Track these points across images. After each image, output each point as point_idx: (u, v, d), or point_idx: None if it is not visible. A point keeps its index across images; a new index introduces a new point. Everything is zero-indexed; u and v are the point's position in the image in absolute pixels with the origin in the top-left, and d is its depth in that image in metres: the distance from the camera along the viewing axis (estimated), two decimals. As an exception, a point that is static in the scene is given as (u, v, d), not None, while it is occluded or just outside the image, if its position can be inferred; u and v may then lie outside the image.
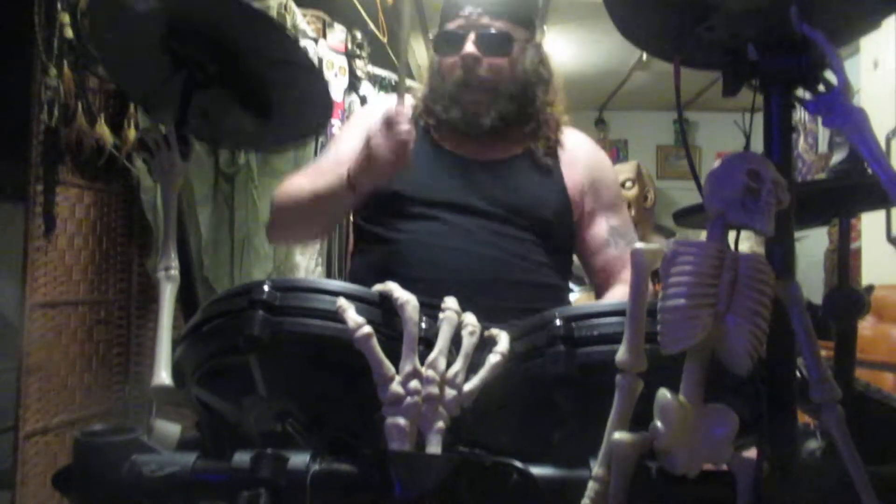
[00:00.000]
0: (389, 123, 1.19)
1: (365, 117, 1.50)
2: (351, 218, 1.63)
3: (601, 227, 1.48)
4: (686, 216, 1.21)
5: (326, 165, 1.41)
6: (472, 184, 1.39)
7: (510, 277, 1.32)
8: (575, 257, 1.59)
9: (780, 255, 0.71)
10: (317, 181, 1.34)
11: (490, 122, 1.38)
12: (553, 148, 1.46)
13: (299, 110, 1.19)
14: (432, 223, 1.34)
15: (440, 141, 1.44)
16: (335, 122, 2.63)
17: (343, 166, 1.35)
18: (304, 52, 1.07)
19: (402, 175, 1.36)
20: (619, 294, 1.41)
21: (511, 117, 1.40)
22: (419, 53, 5.20)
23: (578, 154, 1.49)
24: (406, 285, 0.83)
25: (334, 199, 1.30)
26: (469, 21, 1.37)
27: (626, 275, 1.39)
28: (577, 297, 3.26)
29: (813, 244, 4.31)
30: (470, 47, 1.36)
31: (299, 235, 1.70)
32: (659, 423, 0.65)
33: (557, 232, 1.43)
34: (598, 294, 1.50)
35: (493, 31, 1.38)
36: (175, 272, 1.04)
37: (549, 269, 1.40)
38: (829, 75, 0.70)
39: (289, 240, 2.07)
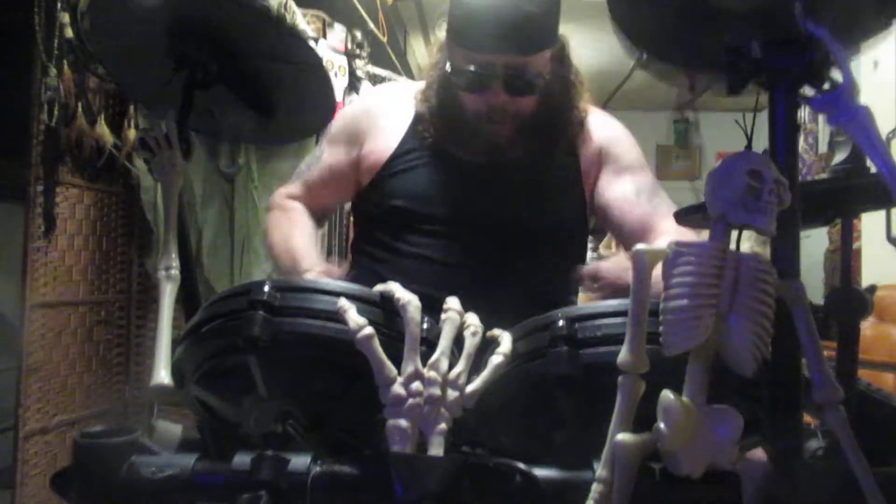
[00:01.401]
0: None
1: (348, 118, 1.41)
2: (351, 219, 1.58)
3: (625, 184, 1.31)
4: (687, 216, 1.20)
5: (318, 180, 1.38)
6: (478, 193, 1.26)
7: (514, 300, 1.14)
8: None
9: (784, 254, 0.71)
10: (287, 243, 1.27)
11: (516, 154, 1.26)
12: (573, 142, 1.33)
13: (303, 106, 1.19)
14: (434, 240, 1.24)
15: (438, 140, 1.28)
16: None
17: (334, 182, 1.36)
18: (306, 49, 1.06)
19: (399, 186, 1.27)
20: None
21: (534, 145, 1.28)
22: (419, 53, 5.20)
23: (594, 127, 1.36)
24: None
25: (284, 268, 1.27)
26: (497, 59, 1.17)
27: (668, 229, 1.23)
28: (579, 298, 3.24)
29: (813, 244, 4.31)
30: (499, 95, 1.19)
31: None
32: (662, 425, 0.64)
33: (572, 236, 1.34)
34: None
35: (523, 72, 1.19)
36: (175, 272, 1.03)
37: (556, 286, 1.28)
38: (834, 73, 0.70)
39: None
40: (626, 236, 1.31)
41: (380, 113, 1.36)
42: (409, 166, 1.29)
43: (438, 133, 1.28)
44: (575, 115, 1.31)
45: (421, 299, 0.79)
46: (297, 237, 1.29)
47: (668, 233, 1.22)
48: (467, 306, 0.84)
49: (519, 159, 1.28)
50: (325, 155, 1.39)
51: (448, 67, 1.23)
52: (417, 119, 1.32)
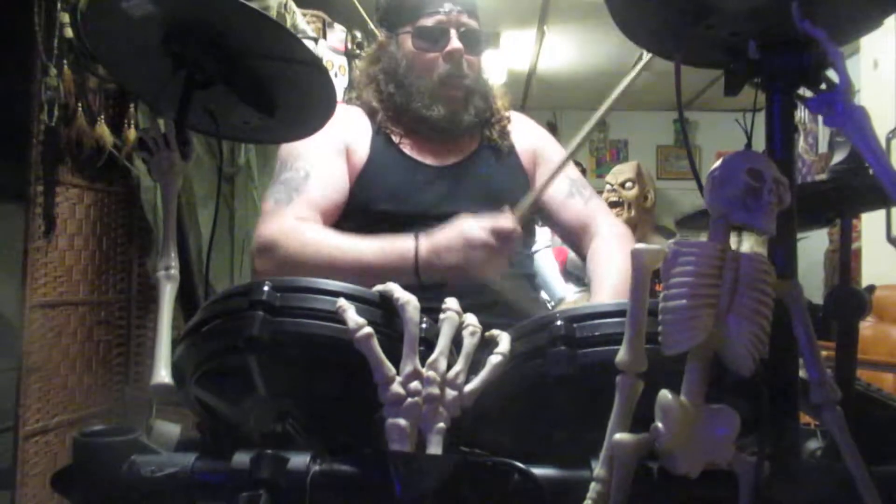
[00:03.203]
0: (500, 237, 1.10)
1: (332, 126, 1.36)
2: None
3: (561, 181, 1.46)
4: (691, 221, 1.21)
5: (320, 199, 1.32)
6: (446, 191, 1.39)
7: (484, 290, 1.27)
8: (575, 255, 1.58)
9: (782, 254, 0.71)
10: (361, 246, 1.20)
11: (468, 119, 1.40)
12: (506, 132, 1.49)
13: (304, 105, 1.19)
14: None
15: (403, 149, 1.41)
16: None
17: (334, 196, 1.30)
18: (305, 48, 1.06)
19: (379, 191, 1.35)
20: (604, 253, 1.41)
21: (481, 115, 1.43)
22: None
23: (523, 129, 1.54)
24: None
25: (388, 276, 1.18)
26: (450, 17, 1.38)
27: (601, 227, 1.45)
28: (578, 297, 3.25)
29: (813, 244, 4.32)
30: (456, 42, 1.37)
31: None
32: (660, 424, 0.65)
33: (526, 229, 1.44)
34: (580, 251, 1.49)
35: (473, 30, 1.40)
36: (175, 272, 1.03)
37: (524, 257, 1.44)
38: (831, 74, 0.70)
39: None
40: (566, 232, 1.50)
41: (347, 120, 1.44)
42: (384, 169, 1.39)
43: (397, 117, 1.41)
44: (501, 104, 1.49)
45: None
46: (362, 247, 1.21)
47: (602, 228, 1.45)
48: (445, 293, 0.85)
49: (474, 159, 1.44)
50: (321, 169, 1.35)
51: (410, 36, 1.40)
52: (372, 116, 1.43)
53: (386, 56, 1.44)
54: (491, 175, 1.43)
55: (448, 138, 1.42)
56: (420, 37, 1.39)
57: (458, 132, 1.41)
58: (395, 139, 1.42)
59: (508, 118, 1.51)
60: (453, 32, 1.37)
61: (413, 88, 1.40)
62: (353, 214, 1.37)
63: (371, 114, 1.44)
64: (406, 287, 0.81)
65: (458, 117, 1.40)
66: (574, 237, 1.48)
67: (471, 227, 1.13)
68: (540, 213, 1.50)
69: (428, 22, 1.38)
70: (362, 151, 1.40)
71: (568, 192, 1.47)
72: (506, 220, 1.13)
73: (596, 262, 1.42)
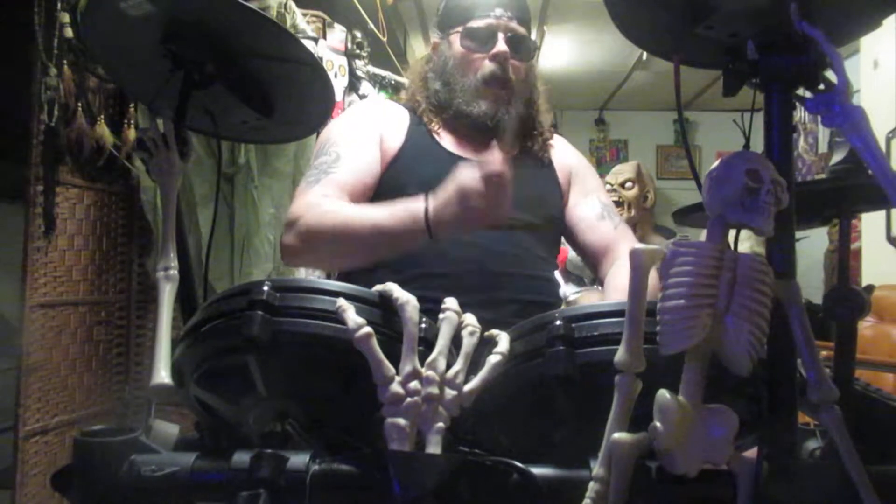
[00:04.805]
0: (490, 173, 1.09)
1: (362, 115, 1.49)
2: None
3: (594, 204, 1.53)
4: (688, 215, 1.21)
5: (354, 179, 1.34)
6: None
7: (517, 271, 1.36)
8: (574, 255, 1.60)
9: (781, 254, 0.71)
10: (375, 212, 1.21)
11: (508, 121, 1.43)
12: (547, 145, 1.54)
13: (302, 105, 1.19)
14: None
15: (440, 142, 1.46)
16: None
17: (370, 179, 1.34)
18: (303, 48, 1.07)
19: (411, 178, 1.37)
20: (625, 277, 1.42)
21: (521, 119, 1.47)
22: (419, 53, 5.20)
23: (562, 149, 1.59)
24: (418, 281, 0.82)
25: (402, 237, 1.17)
26: (499, 22, 1.43)
27: (625, 252, 1.45)
28: (579, 296, 3.25)
29: (813, 244, 4.32)
30: (502, 45, 1.42)
31: (335, 265, 1.54)
32: (658, 424, 0.65)
33: (556, 225, 1.51)
34: (600, 272, 1.52)
35: (520, 36, 1.45)
36: (174, 272, 1.03)
37: (547, 264, 1.47)
38: (830, 74, 0.70)
39: (318, 266, 2.03)
40: (589, 252, 1.53)
41: (384, 111, 1.51)
42: (418, 157, 1.42)
43: (438, 111, 1.46)
44: (544, 119, 1.55)
45: (427, 276, 0.80)
46: (375, 211, 1.22)
47: (626, 253, 1.34)
48: (472, 290, 0.85)
49: (511, 162, 1.40)
50: (353, 153, 1.38)
51: (459, 37, 1.45)
52: (413, 110, 1.49)
53: (436, 56, 1.51)
54: (527, 180, 1.42)
55: (487, 138, 1.41)
56: (469, 37, 1.44)
57: (498, 132, 1.43)
58: (434, 130, 1.46)
59: (551, 133, 1.56)
60: (500, 36, 1.43)
61: (458, 86, 1.45)
62: (385, 200, 1.35)
63: (412, 109, 1.50)
64: (418, 283, 0.81)
65: (499, 117, 1.43)
66: (597, 258, 1.52)
67: (462, 168, 1.13)
68: (565, 232, 1.54)
69: (477, 24, 1.44)
70: (396, 140, 1.44)
71: (600, 214, 1.52)
72: (492, 152, 1.12)
73: (614, 285, 1.45)
